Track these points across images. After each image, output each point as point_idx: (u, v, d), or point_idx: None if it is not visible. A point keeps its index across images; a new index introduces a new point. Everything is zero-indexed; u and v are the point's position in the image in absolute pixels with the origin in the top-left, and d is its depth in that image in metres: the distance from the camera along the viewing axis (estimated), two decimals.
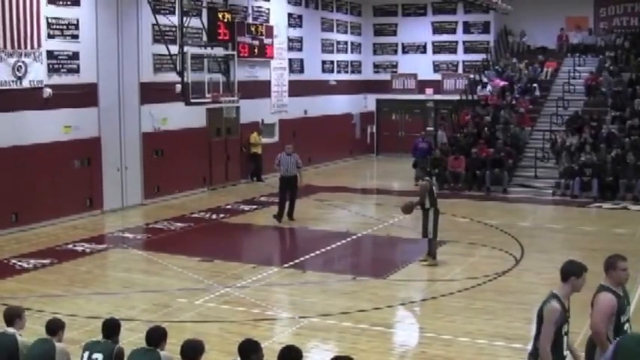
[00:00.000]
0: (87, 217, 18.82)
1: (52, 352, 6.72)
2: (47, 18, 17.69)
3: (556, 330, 6.38)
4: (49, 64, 17.84)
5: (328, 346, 10.03)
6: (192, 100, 19.08)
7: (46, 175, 17.74)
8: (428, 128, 30.89)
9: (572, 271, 6.61)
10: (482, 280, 13.03)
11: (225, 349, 9.31)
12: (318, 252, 15.54)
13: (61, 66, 18.19)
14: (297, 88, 27.92)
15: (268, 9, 26.35)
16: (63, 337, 7.07)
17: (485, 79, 28.80)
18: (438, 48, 32.21)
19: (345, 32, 32.12)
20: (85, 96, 18.79)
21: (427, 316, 11.53)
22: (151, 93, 20.64)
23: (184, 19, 19.35)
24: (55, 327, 6.99)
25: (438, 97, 32.00)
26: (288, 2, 27.84)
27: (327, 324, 10.85)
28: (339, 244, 16.34)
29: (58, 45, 18.07)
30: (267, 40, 25.47)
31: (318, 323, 10.87)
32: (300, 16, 28.56)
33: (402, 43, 32.91)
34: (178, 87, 19.76)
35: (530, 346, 10.05)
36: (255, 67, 25.38)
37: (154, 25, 20.18)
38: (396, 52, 33.10)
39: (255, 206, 20.84)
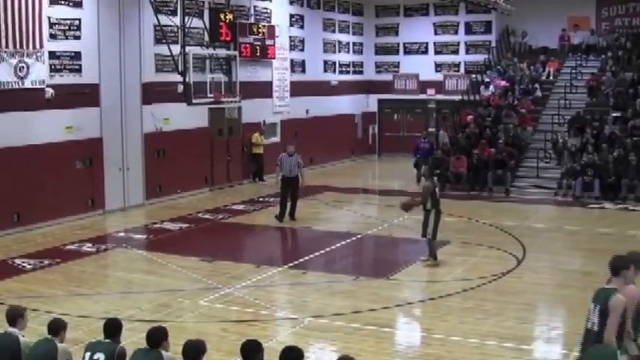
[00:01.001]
0: (89, 217, 18.84)
1: (54, 352, 6.73)
2: (49, 18, 17.71)
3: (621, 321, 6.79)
4: (51, 65, 17.86)
5: (330, 346, 10.04)
6: (194, 101, 19.11)
7: (48, 176, 17.75)
8: (430, 129, 30.87)
9: (622, 265, 7.03)
10: (483, 281, 13.03)
11: (226, 349, 9.34)
12: (320, 252, 15.54)
13: (63, 66, 18.22)
14: (299, 89, 27.92)
15: (270, 9, 26.35)
16: (65, 337, 7.08)
17: (487, 80, 28.77)
18: (440, 48, 32.17)
19: (347, 32, 32.11)
20: (86, 96, 18.80)
21: (429, 316, 11.53)
22: (153, 93, 20.65)
23: (186, 19, 19.38)
24: (56, 327, 6.99)
25: (439, 97, 31.94)
26: (290, 2, 27.84)
27: (328, 324, 10.85)
28: (340, 244, 16.34)
29: (60, 45, 18.10)
30: (268, 41, 25.48)
31: (320, 323, 10.87)
32: (301, 16, 28.57)
33: (404, 43, 32.86)
34: (180, 87, 19.78)
35: (530, 347, 10.12)
36: (256, 68, 25.38)
37: (155, 25, 20.19)
38: (397, 52, 33.05)
39: (256, 206, 20.85)
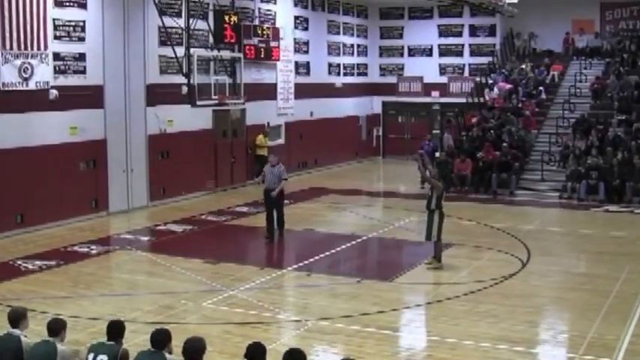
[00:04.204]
0: (92, 218, 18.83)
1: (54, 354, 6.69)
2: (54, 20, 17.72)
3: None
4: (55, 66, 17.87)
5: (333, 349, 10.00)
6: (199, 103, 19.11)
7: (52, 177, 17.76)
8: (434, 131, 30.86)
9: None
10: (488, 284, 12.99)
11: (230, 352, 9.30)
12: (323, 254, 15.51)
13: (67, 68, 18.22)
14: (303, 91, 27.92)
15: (275, 11, 26.35)
16: (65, 336, 7.04)
17: (491, 81, 28.76)
18: (444, 51, 32.18)
19: (352, 35, 32.12)
20: (91, 98, 18.81)
21: (433, 319, 11.48)
22: (157, 95, 20.65)
23: (191, 21, 19.36)
24: (57, 327, 6.94)
25: (444, 99, 31.96)
26: (295, 5, 27.86)
27: (332, 327, 10.81)
28: (344, 246, 16.30)
29: (64, 47, 18.10)
30: (273, 43, 25.46)
31: (323, 326, 10.84)
32: (306, 19, 28.57)
33: (408, 46, 32.88)
34: (184, 89, 19.77)
35: (535, 350, 10.09)
36: (261, 70, 25.39)
37: (160, 27, 20.19)
38: (402, 54, 33.08)
39: (260, 208, 20.76)
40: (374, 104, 33.54)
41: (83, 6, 18.52)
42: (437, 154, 25.77)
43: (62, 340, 6.93)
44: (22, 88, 17.00)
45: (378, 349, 9.89)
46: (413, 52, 32.82)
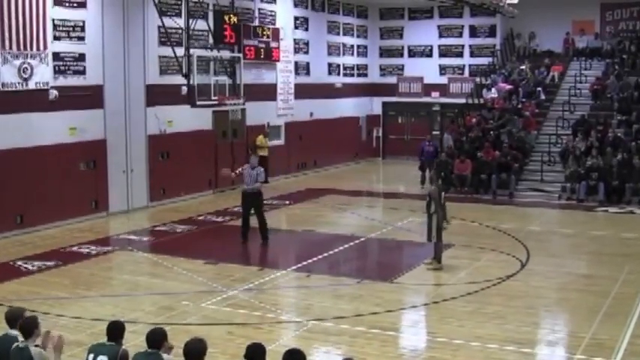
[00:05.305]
0: (92, 219, 18.82)
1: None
2: (53, 20, 17.71)
3: None
4: (55, 66, 17.86)
5: (333, 350, 9.99)
6: (198, 103, 19.09)
7: (52, 177, 17.74)
8: (434, 132, 30.84)
9: None
10: (487, 284, 12.98)
11: (230, 352, 9.30)
12: (323, 255, 15.50)
13: (67, 68, 18.21)
14: (303, 91, 27.91)
15: (274, 12, 26.35)
16: (40, 333, 6.82)
17: (489, 82, 28.77)
18: (445, 51, 32.16)
19: (352, 35, 32.10)
20: (90, 98, 18.80)
21: (432, 319, 11.48)
22: (157, 95, 20.64)
23: (190, 21, 19.35)
24: (30, 326, 6.78)
25: (444, 100, 31.94)
26: (295, 5, 27.85)
27: (332, 327, 10.80)
28: (344, 247, 16.30)
29: (64, 47, 18.09)
30: (273, 43, 25.46)
31: (323, 326, 10.82)
32: (306, 19, 28.56)
33: (409, 46, 32.88)
34: (184, 89, 19.77)
35: (537, 350, 10.08)
36: (261, 70, 25.38)
37: (160, 27, 20.19)
38: (402, 55, 33.07)
39: None
40: (374, 105, 33.53)
41: (83, 6, 18.52)
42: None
43: (38, 335, 6.82)
44: (21, 89, 16.99)
45: (381, 351, 9.88)
46: (413, 52, 32.81)
